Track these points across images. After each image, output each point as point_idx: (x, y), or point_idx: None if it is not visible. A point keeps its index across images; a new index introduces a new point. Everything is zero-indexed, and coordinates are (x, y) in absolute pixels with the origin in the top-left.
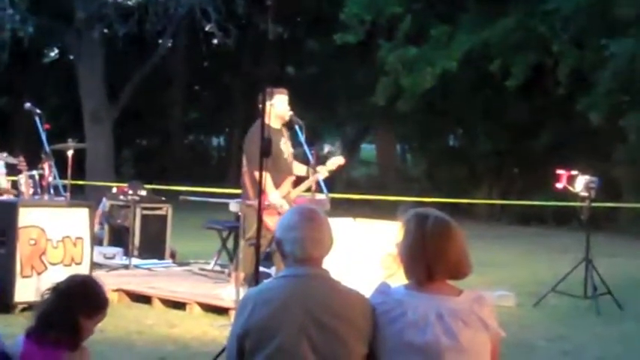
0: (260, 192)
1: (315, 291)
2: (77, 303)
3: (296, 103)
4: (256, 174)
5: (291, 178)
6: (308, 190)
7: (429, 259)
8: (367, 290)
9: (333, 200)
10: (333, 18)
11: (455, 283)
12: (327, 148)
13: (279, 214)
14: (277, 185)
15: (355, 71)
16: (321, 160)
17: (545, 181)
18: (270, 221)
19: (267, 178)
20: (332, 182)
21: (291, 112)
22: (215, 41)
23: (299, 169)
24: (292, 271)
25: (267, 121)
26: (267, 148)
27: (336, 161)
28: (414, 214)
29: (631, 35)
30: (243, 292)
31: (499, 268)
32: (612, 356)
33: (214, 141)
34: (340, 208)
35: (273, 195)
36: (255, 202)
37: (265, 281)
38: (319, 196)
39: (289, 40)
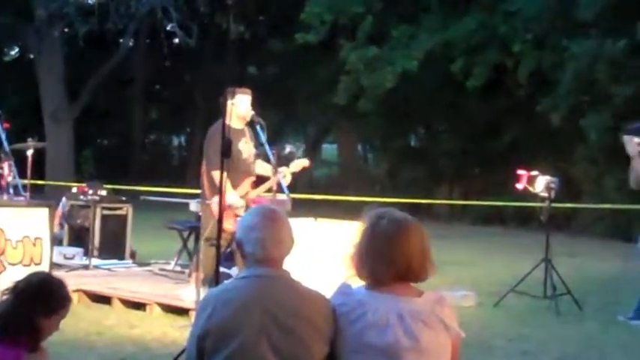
0: (220, 192)
1: (276, 292)
2: (35, 303)
3: (257, 102)
4: (213, 174)
5: (251, 179)
6: (269, 190)
7: (378, 260)
8: (328, 291)
9: (294, 200)
10: (294, 18)
11: (416, 283)
12: (288, 148)
13: (236, 215)
14: (235, 186)
15: (317, 71)
16: (283, 160)
17: (506, 181)
18: (227, 222)
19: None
20: (293, 182)
21: (252, 112)
22: (176, 41)
23: (264, 168)
24: (253, 271)
25: (227, 120)
26: (227, 149)
27: (301, 163)
28: (371, 214)
29: (591, 36)
30: (203, 292)
31: (460, 268)
32: (572, 356)
33: (175, 140)
34: (302, 208)
35: (231, 195)
36: (212, 202)
37: (226, 282)
38: (280, 197)
39: (251, 40)
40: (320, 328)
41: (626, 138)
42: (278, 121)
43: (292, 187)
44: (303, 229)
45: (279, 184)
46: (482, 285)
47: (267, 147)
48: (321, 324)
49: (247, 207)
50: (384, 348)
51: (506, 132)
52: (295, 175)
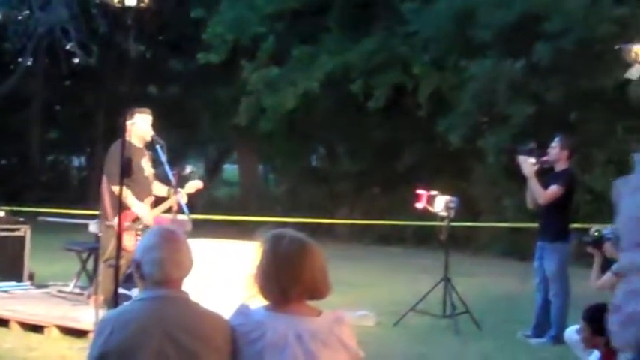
0: (119, 211)
1: (174, 313)
2: None
3: (158, 122)
4: (114, 189)
5: (151, 199)
6: (169, 210)
7: (284, 280)
8: (228, 311)
9: (194, 221)
10: (196, 37)
11: (315, 304)
12: (188, 169)
13: (137, 234)
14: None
15: (218, 91)
16: (184, 180)
17: (407, 201)
18: (128, 242)
19: (129, 194)
20: (194, 203)
21: (152, 133)
22: (76, 60)
23: (159, 189)
24: (151, 293)
25: (128, 139)
26: (126, 168)
27: (194, 185)
28: (270, 235)
29: (489, 57)
30: (102, 314)
31: (360, 287)
32: None
33: (75, 161)
34: (202, 229)
35: (139, 207)
36: (114, 223)
37: (124, 303)
38: (180, 217)
39: (152, 60)
40: (219, 348)
41: (521, 159)
42: (179, 141)
43: (193, 208)
44: (203, 249)
45: (179, 205)
46: (383, 304)
47: (167, 167)
48: (221, 345)
49: (147, 227)
50: None
51: (406, 152)
52: (195, 196)
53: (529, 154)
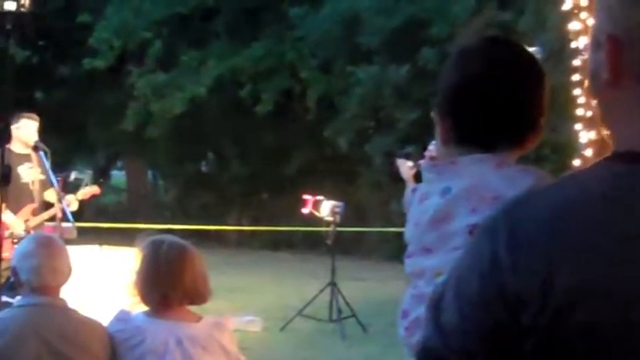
0: None
1: (52, 320)
2: None
3: (45, 128)
4: None
5: (32, 206)
6: (52, 218)
7: (165, 285)
8: (109, 318)
9: (81, 228)
10: (83, 42)
11: (202, 309)
12: (73, 175)
13: (13, 242)
14: (15, 211)
15: (105, 97)
16: (70, 187)
17: (295, 206)
18: (8, 250)
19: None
20: (81, 210)
21: (36, 138)
22: None
23: (51, 196)
24: (28, 300)
25: (10, 145)
26: (6, 175)
27: (89, 190)
28: (149, 241)
29: (376, 63)
30: None
31: (247, 293)
32: None
33: None
34: (89, 235)
35: (8, 216)
36: None
37: (1, 311)
38: (65, 225)
39: (38, 65)
40: (97, 355)
41: (399, 162)
42: (66, 147)
43: (80, 215)
44: (87, 256)
45: (63, 212)
46: (270, 310)
47: (50, 174)
48: (100, 352)
49: (28, 234)
50: None
51: (295, 157)
52: (83, 203)
53: (407, 157)
